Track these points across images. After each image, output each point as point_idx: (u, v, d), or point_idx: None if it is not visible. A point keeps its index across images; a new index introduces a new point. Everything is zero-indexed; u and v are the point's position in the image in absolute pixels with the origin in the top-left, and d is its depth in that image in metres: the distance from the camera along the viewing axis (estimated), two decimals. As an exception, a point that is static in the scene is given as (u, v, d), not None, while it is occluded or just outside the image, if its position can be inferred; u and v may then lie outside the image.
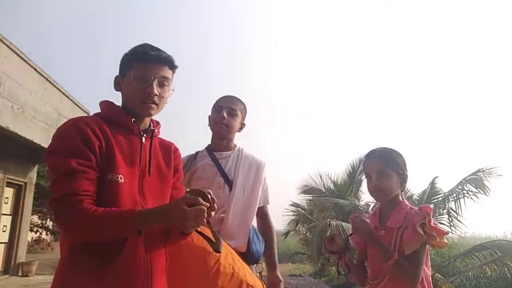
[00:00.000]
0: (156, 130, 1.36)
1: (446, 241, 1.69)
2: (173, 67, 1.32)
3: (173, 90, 1.34)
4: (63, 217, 1.08)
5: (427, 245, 1.69)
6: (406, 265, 1.61)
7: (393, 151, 1.83)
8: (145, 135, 1.31)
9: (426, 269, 1.69)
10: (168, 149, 1.41)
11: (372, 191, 1.81)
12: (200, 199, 1.06)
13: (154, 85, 1.26)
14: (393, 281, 1.65)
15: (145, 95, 1.25)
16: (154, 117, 1.38)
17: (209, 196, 1.10)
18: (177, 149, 1.46)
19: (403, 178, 1.78)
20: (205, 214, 1.05)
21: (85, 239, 1.12)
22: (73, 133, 1.16)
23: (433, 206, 7.20)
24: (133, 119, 1.28)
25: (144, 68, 1.26)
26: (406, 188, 1.84)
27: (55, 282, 1.16)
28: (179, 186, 1.42)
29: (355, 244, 1.88)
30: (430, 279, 1.71)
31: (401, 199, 1.79)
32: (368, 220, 1.73)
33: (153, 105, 1.27)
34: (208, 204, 1.08)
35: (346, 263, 1.79)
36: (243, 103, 2.12)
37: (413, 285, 1.62)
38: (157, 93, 1.27)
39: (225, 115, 2.01)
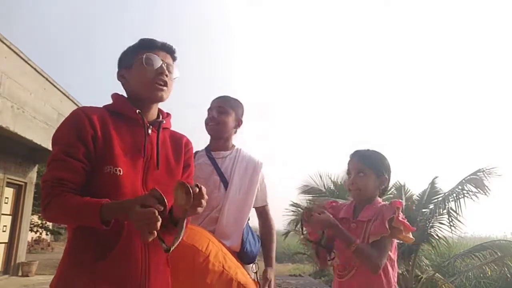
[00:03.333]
0: (164, 122, 1.34)
1: (412, 237, 1.70)
2: (174, 57, 1.37)
3: (177, 77, 1.36)
4: (42, 201, 1.12)
5: (395, 240, 1.71)
6: (367, 249, 1.62)
7: (377, 153, 1.84)
8: (151, 127, 1.29)
9: (390, 268, 1.69)
10: (179, 142, 1.38)
11: (349, 189, 1.84)
12: (155, 201, 0.99)
13: (165, 67, 1.30)
14: (361, 271, 1.67)
15: (157, 76, 1.28)
16: (163, 110, 1.39)
17: (165, 201, 1.00)
18: (189, 142, 1.43)
19: (382, 181, 1.79)
20: (156, 217, 0.96)
21: (56, 223, 1.17)
22: (68, 123, 1.19)
23: (433, 206, 7.19)
24: (138, 110, 1.26)
25: (154, 53, 1.30)
26: (385, 191, 1.84)
27: (56, 275, 1.18)
28: (189, 181, 1.40)
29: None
30: (396, 280, 1.71)
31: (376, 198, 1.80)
32: (327, 212, 1.70)
33: (165, 88, 1.29)
34: (162, 208, 0.99)
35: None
36: (236, 100, 2.11)
37: (374, 270, 1.62)
38: (167, 75, 1.30)
39: (215, 114, 2.03)
